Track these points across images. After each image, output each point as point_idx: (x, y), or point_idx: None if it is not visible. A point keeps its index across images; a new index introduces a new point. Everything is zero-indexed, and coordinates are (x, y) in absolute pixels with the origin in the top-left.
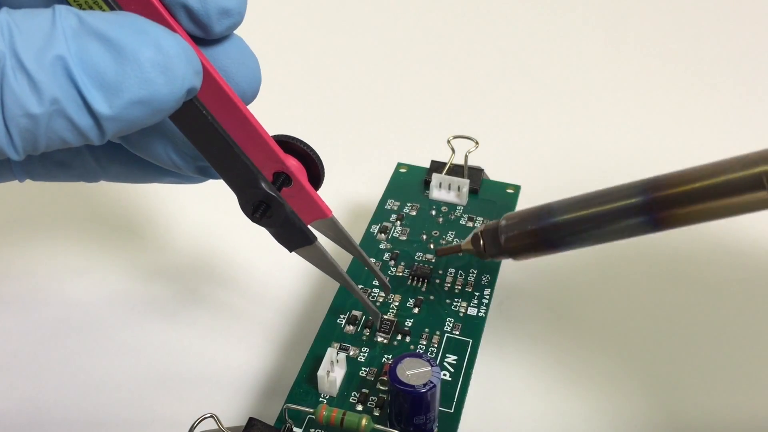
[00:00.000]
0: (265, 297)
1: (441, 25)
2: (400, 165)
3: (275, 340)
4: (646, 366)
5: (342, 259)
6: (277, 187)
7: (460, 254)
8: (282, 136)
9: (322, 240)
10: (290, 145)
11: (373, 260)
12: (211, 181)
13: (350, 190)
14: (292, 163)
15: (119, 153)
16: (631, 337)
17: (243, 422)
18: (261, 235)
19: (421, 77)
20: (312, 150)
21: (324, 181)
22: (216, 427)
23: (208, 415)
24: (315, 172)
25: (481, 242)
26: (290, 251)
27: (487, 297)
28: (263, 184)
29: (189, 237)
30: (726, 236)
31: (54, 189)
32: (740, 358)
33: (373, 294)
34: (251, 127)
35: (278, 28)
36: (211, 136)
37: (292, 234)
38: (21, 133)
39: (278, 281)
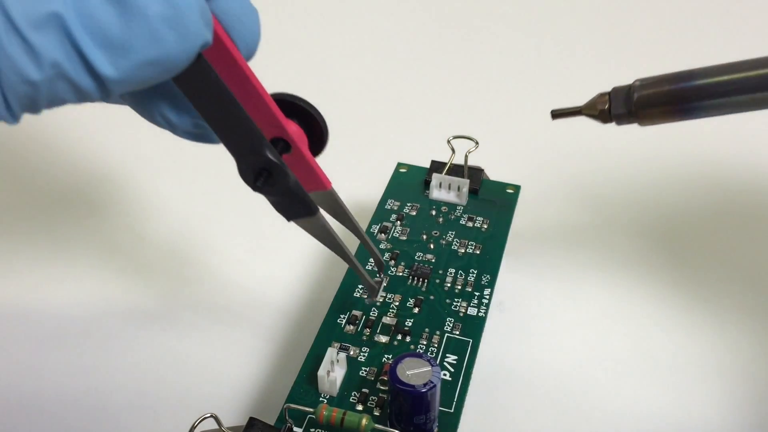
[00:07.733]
0: (265, 300)
1: (441, 25)
2: (400, 165)
3: (275, 342)
4: (648, 358)
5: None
6: None
7: (578, 115)
8: (282, 94)
9: None
10: (292, 105)
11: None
12: (211, 185)
13: (350, 190)
14: (293, 129)
15: None
16: (629, 330)
17: (243, 422)
18: (261, 239)
19: (421, 77)
20: (315, 110)
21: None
22: (216, 426)
23: (209, 415)
24: (318, 133)
25: (608, 103)
26: (288, 221)
27: (487, 297)
28: (267, 152)
29: (191, 242)
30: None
31: (52, 194)
32: None
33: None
34: (252, 87)
35: (278, 27)
36: (216, 97)
37: (293, 204)
38: (20, 99)
39: (278, 284)
